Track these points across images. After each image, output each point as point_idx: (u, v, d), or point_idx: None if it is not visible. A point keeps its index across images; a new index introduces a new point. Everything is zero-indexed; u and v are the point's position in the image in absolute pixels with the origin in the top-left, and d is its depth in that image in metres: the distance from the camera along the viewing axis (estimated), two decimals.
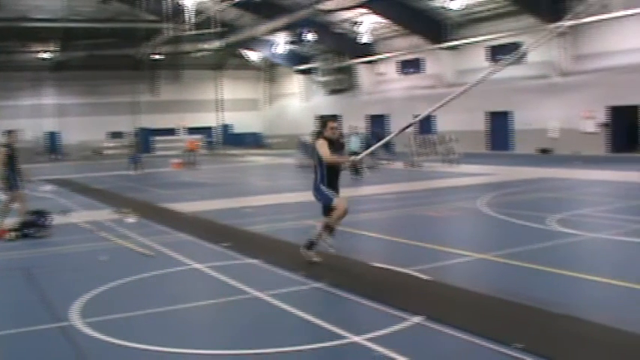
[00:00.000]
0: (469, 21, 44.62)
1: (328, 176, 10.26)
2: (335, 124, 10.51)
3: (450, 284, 8.98)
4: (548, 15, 38.61)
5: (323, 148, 10.14)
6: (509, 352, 6.25)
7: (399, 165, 33.64)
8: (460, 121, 44.42)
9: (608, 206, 16.94)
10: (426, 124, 47.59)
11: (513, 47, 42.41)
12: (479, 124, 45.55)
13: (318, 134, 10.59)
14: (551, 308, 7.55)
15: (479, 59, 45.16)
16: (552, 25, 38.38)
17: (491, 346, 6.46)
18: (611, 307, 7.85)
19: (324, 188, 10.23)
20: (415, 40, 48.24)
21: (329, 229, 10.44)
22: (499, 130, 44.33)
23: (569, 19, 36.79)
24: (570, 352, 6.23)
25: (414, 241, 12.59)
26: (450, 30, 45.95)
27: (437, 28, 46.39)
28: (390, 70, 53.72)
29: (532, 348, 6.28)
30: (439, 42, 46.60)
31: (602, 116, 37.60)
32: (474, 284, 9.03)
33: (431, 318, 7.33)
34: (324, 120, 10.73)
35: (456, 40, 45.78)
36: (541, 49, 40.44)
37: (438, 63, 48.19)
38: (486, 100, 43.69)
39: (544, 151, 39.89)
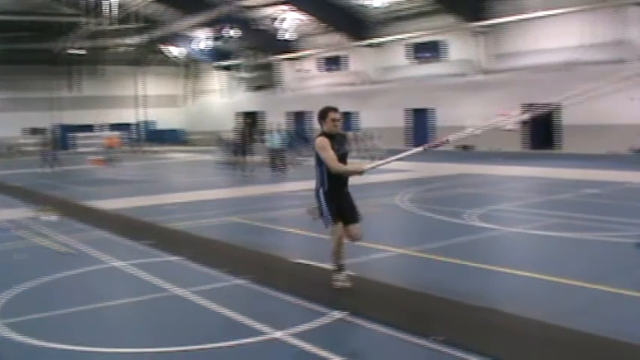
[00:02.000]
0: (391, 19, 45.04)
1: (330, 182, 8.37)
2: (337, 115, 8.44)
3: (372, 279, 9.02)
4: (469, 14, 39.35)
5: (326, 151, 8.15)
6: (430, 345, 6.33)
7: None
8: (383, 117, 44.89)
9: (525, 201, 17.36)
10: (350, 121, 47.97)
11: (433, 45, 43.11)
12: (400, 120, 46.04)
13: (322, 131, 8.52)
14: (471, 301, 7.69)
15: (400, 57, 45.70)
16: (472, 24, 39.16)
17: (413, 339, 6.53)
18: (529, 298, 8.04)
19: (323, 200, 8.42)
20: (338, 37, 48.45)
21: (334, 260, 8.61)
22: (421, 127, 44.87)
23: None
24: (490, 343, 6.34)
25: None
26: (372, 27, 46.32)
27: (359, 26, 46.72)
28: (313, 67, 53.84)
29: (453, 340, 6.36)
30: (361, 39, 46.92)
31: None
32: (395, 279, 9.12)
33: (353, 313, 7.37)
34: (324, 110, 8.50)
35: (378, 37, 46.16)
36: (462, 47, 41.20)
37: (361, 60, 48.52)
38: (408, 97, 44.29)
39: (465, 147, 40.53)
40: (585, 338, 6.44)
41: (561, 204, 16.77)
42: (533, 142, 38.26)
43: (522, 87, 37.75)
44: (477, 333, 6.63)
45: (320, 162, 8.36)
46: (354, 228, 8.59)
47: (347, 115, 49.28)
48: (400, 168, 28.17)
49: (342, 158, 8.38)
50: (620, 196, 17.85)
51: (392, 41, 45.56)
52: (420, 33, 43.13)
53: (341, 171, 8.29)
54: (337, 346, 6.40)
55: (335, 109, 8.51)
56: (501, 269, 9.55)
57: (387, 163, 9.26)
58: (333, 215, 8.37)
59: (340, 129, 8.61)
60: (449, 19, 40.70)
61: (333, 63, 51.99)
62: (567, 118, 36.19)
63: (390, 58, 46.72)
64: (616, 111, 33.04)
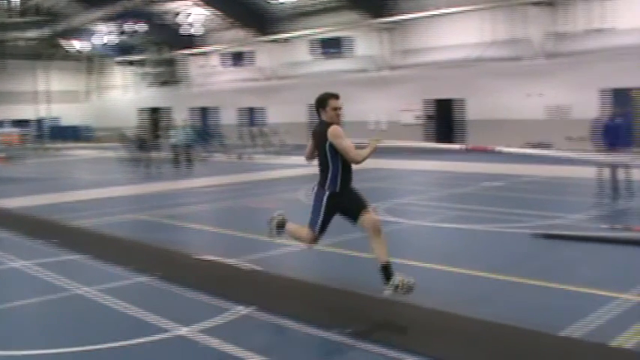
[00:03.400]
0: (297, 14, 45.16)
1: (343, 180, 7.47)
2: (339, 103, 7.43)
3: (278, 274, 9.08)
4: (374, 10, 39.83)
5: (344, 140, 7.21)
6: (338, 338, 6.41)
7: (231, 157, 33.67)
8: (289, 113, 45.00)
9: (430, 194, 17.72)
10: (256, 116, 48.02)
11: (339, 41, 43.45)
12: (306, 116, 46.27)
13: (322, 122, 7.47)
14: (376, 294, 7.82)
15: (306, 53, 45.97)
16: (377, 21, 39.68)
17: (320, 332, 6.60)
18: (432, 290, 8.19)
19: (325, 203, 7.46)
20: (244, 32, 48.29)
21: (280, 224, 8.23)
22: None
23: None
24: (397, 335, 6.46)
25: (240, 232, 12.67)
26: (278, 23, 46.38)
27: (265, 21, 46.70)
28: (219, 62, 53.56)
29: (360, 332, 6.46)
30: (267, 35, 46.91)
31: (427, 109, 39.27)
32: (301, 273, 9.20)
33: (260, 308, 7.39)
34: (323, 97, 7.45)
35: (284, 33, 46.25)
36: (368, 43, 41.66)
37: (267, 56, 48.49)
38: (314, 93, 44.22)
39: None
40: (487, 326, 6.64)
41: (464, 197, 17.20)
42: (437, 136, 39.05)
43: (426, 83, 38.55)
44: (383, 325, 6.74)
45: (332, 156, 7.31)
46: (366, 217, 7.35)
47: (253, 111, 49.35)
48: (306, 163, 28.29)
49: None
50: (518, 189, 18.40)
51: (298, 37, 45.74)
52: (325, 29, 43.40)
53: (365, 157, 7.32)
54: (243, 341, 6.40)
55: (336, 96, 7.47)
56: (406, 262, 9.69)
57: (413, 147, 8.83)
58: (321, 224, 7.54)
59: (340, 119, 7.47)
60: (354, 16, 41.08)
61: (238, 59, 51.83)
62: (470, 113, 37.12)
63: (296, 53, 46.90)
64: (514, 106, 34.06)
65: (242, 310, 7.39)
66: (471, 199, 16.60)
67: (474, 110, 36.89)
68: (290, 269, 9.50)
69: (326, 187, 7.41)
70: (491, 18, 35.97)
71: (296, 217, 15.11)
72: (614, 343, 6.14)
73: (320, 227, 7.52)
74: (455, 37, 37.56)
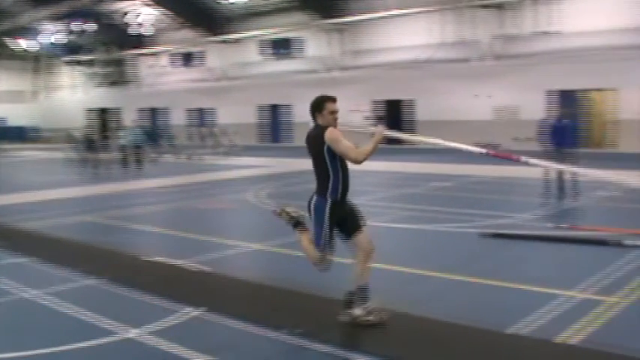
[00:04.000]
0: (247, 15, 45.07)
1: (344, 182, 6.93)
2: (336, 106, 7.00)
3: (229, 275, 9.06)
4: (324, 11, 39.95)
5: (342, 142, 6.70)
6: (287, 338, 6.43)
7: (180, 158, 33.47)
8: (239, 114, 44.98)
9: (379, 195, 17.80)
10: (206, 117, 47.86)
11: (289, 42, 43.49)
12: (259, 116, 46.24)
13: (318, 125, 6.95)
14: (326, 294, 7.85)
15: (256, 53, 45.94)
16: (327, 22, 39.81)
17: (271, 333, 6.61)
18: (384, 290, 8.22)
19: (327, 216, 6.78)
20: (194, 33, 48.03)
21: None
22: (280, 122, 45.21)
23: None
24: (346, 335, 6.51)
25: (191, 233, 12.59)
26: (228, 24, 46.24)
27: (215, 22, 46.51)
28: (169, 62, 53.21)
29: (310, 332, 6.50)
30: (217, 35, 46.73)
31: (377, 110, 39.54)
32: (251, 274, 9.19)
33: (209, 309, 7.37)
34: (319, 100, 6.99)
35: (234, 33, 46.12)
36: (318, 44, 41.76)
37: (217, 56, 48.31)
38: (265, 93, 44.48)
39: None
40: (435, 325, 6.72)
41: (414, 197, 17.34)
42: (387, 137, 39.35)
43: (376, 83, 38.79)
44: (333, 324, 6.76)
45: (332, 161, 6.79)
46: (362, 237, 6.85)
47: (202, 112, 49.14)
48: (259, 164, 28.35)
49: (346, 163, 7.04)
50: (467, 189, 18.60)
51: (248, 37, 45.67)
52: (275, 29, 43.39)
53: (368, 154, 6.75)
54: (193, 343, 6.38)
55: (333, 99, 7.01)
56: (353, 262, 9.76)
57: (424, 141, 8.23)
58: (328, 240, 6.81)
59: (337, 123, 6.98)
60: (304, 16, 41.14)
61: (188, 59, 51.55)
62: (420, 113, 37.44)
63: (246, 54, 46.83)
64: (463, 107, 34.44)
65: (191, 311, 7.36)
66: (421, 200, 16.75)
67: (423, 111, 37.23)
68: (239, 270, 9.49)
69: (327, 196, 6.79)
70: (440, 20, 36.37)
71: (247, 218, 15.13)
72: (559, 339, 6.26)
73: (326, 241, 6.78)
74: (405, 39, 37.89)
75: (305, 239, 7.14)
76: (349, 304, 6.76)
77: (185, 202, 17.48)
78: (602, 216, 14.06)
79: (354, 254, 6.83)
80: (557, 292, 7.79)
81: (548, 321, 6.81)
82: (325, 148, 6.73)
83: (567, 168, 6.09)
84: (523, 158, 6.70)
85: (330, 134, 6.68)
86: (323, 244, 6.79)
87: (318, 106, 6.93)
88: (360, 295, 6.71)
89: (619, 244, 10.34)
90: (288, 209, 7.58)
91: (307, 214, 7.04)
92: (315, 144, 6.82)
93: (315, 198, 6.93)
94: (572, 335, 6.35)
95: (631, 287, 7.98)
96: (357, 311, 6.68)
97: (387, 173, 23.69)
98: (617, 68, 29.85)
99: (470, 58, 35.35)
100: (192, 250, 10.82)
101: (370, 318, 6.66)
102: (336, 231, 6.85)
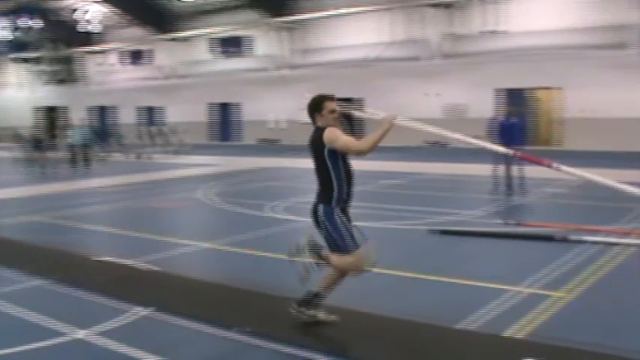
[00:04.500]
0: (197, 13, 44.80)
1: (348, 186, 6.48)
2: (335, 106, 6.59)
3: (178, 274, 9.00)
4: (274, 10, 39.92)
5: (341, 138, 6.29)
6: (238, 336, 6.42)
7: (129, 157, 33.17)
8: (189, 112, 44.75)
9: None
10: (155, 115, 47.51)
11: (239, 40, 43.35)
12: (209, 115, 46.06)
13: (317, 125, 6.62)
14: (275, 292, 7.86)
15: (206, 51, 45.72)
16: (277, 20, 39.79)
17: (220, 331, 6.60)
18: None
19: (337, 219, 6.38)
20: (144, 30, 47.58)
21: (331, 283, 6.59)
22: (229, 121, 45.07)
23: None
24: (296, 332, 6.50)
25: (140, 233, 12.50)
26: (178, 21, 45.92)
27: (164, 19, 46.15)
28: (117, 60, 52.64)
29: (259, 330, 6.49)
30: (167, 33, 46.38)
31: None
32: (201, 273, 9.15)
33: (159, 309, 7.32)
34: (318, 100, 6.60)
35: (184, 31, 45.83)
36: (268, 42, 41.70)
37: (167, 54, 47.92)
38: (215, 92, 44.30)
39: (272, 141, 41.03)
40: (385, 321, 6.77)
41: (363, 195, 17.33)
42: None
43: (325, 82, 38.75)
44: (283, 322, 6.76)
45: (334, 164, 6.40)
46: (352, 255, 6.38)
47: (152, 110, 48.76)
48: (209, 163, 28.24)
49: (350, 166, 6.57)
50: (417, 186, 18.75)
51: (197, 36, 45.41)
52: (225, 28, 43.23)
53: (375, 141, 6.19)
54: (142, 342, 6.34)
55: (332, 97, 6.63)
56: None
57: (436, 133, 7.56)
58: (353, 235, 6.37)
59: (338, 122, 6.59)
60: (254, 15, 41.04)
61: (137, 57, 51.04)
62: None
63: (196, 52, 46.56)
64: (412, 105, 34.65)
65: (141, 311, 7.30)
66: (371, 197, 16.80)
67: (372, 109, 37.31)
68: (190, 269, 9.44)
69: (333, 204, 6.40)
70: (389, 19, 36.57)
71: (197, 217, 15.05)
72: (507, 334, 6.36)
73: (351, 239, 6.33)
74: (354, 37, 38.04)
75: (333, 259, 6.45)
76: (306, 303, 6.56)
77: (135, 201, 17.34)
78: (549, 212, 14.30)
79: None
80: (504, 287, 7.91)
81: (496, 316, 6.92)
82: (326, 151, 6.35)
83: (602, 180, 5.55)
84: (555, 165, 6.32)
85: (328, 134, 6.31)
86: (349, 243, 6.32)
87: (317, 105, 6.55)
88: (312, 298, 6.58)
89: (565, 240, 10.53)
90: (304, 249, 6.85)
91: (316, 226, 6.63)
92: (315, 148, 6.45)
93: (321, 207, 6.48)
94: (520, 329, 6.46)
95: (576, 282, 8.13)
96: (295, 310, 6.58)
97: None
98: (562, 67, 30.40)
99: (419, 57, 35.64)
100: (142, 250, 10.74)
101: (305, 316, 6.56)
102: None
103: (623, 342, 6.17)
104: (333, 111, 6.49)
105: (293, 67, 41.31)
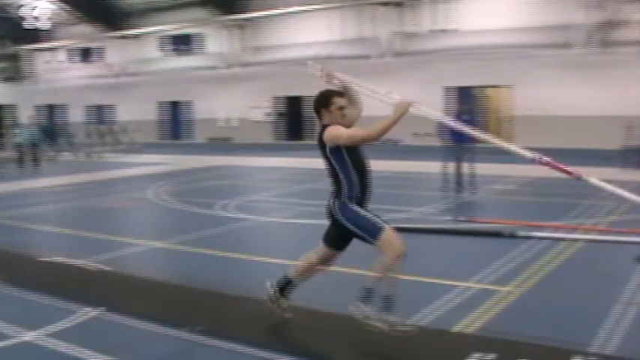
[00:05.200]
0: (148, 10, 44.42)
1: (361, 183, 6.08)
2: (344, 102, 6.25)
3: (129, 274, 8.92)
4: (225, 7, 39.80)
5: (343, 133, 5.93)
6: (189, 336, 6.39)
7: (79, 156, 32.80)
8: (139, 110, 44.41)
9: (279, 191, 17.89)
10: (105, 114, 47.04)
11: (190, 38, 43.12)
12: (159, 113, 45.75)
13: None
14: (227, 290, 7.85)
15: (157, 49, 45.41)
16: (228, 17, 39.66)
17: (172, 331, 6.55)
18: None
19: (354, 207, 6.04)
20: (93, 27, 47.03)
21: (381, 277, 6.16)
22: (180, 119, 44.81)
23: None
24: (246, 329, 6.52)
25: (90, 232, 12.36)
26: (128, 19, 45.49)
27: (114, 17, 45.66)
28: (66, 58, 51.96)
29: (212, 329, 6.46)
30: (116, 30, 45.90)
31: (278, 106, 39.75)
32: (152, 272, 9.09)
33: (109, 309, 7.24)
34: (325, 95, 6.23)
35: (134, 29, 45.41)
36: (219, 40, 41.54)
37: (117, 52, 47.42)
38: (165, 90, 43.99)
39: (224, 140, 40.88)
40: (330, 317, 6.83)
41: (313, 193, 17.41)
42: (288, 133, 39.77)
43: (277, 80, 38.86)
44: (235, 321, 6.77)
45: (341, 164, 6.02)
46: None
47: (102, 109, 48.27)
48: (160, 161, 28.06)
49: (361, 152, 6.22)
50: None
51: (148, 33, 45.03)
52: (176, 25, 42.96)
53: (387, 126, 5.98)
54: (92, 343, 6.27)
55: (340, 93, 6.32)
56: (255, 258, 9.82)
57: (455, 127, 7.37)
58: (375, 219, 6.00)
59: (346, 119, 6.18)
60: (205, 12, 40.86)
61: (87, 54, 50.41)
62: None
63: (146, 50, 46.16)
64: (362, 103, 34.78)
65: (90, 311, 7.22)
66: (321, 195, 16.72)
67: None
68: (140, 268, 9.36)
69: (346, 201, 6.07)
70: (340, 17, 36.68)
71: (147, 216, 14.94)
72: (456, 329, 6.45)
73: (377, 220, 6.00)
74: (306, 35, 38.05)
75: (379, 245, 6.06)
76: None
77: (84, 200, 17.15)
78: (499, 208, 14.49)
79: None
80: (454, 283, 8.00)
81: (446, 311, 7.00)
82: (328, 150, 6.00)
83: (619, 191, 5.30)
84: (584, 177, 5.95)
85: (328, 134, 5.93)
86: (378, 223, 5.95)
87: (325, 101, 6.13)
88: (284, 285, 6.52)
89: (513, 236, 10.68)
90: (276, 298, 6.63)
91: (334, 226, 6.33)
92: (320, 147, 6.09)
93: (336, 205, 6.13)
94: (469, 324, 6.54)
95: (524, 277, 8.27)
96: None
97: (285, 169, 23.83)
98: (511, 66, 30.84)
99: (370, 55, 35.81)
100: (91, 250, 10.62)
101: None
102: (334, 233, 6.41)
103: (570, 335, 6.28)
104: (341, 107, 6.11)
105: (244, 65, 41.21)
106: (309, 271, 6.62)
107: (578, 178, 6.00)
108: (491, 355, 5.60)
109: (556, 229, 11.34)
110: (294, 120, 39.41)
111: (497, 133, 32.22)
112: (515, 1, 31.79)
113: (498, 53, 31.14)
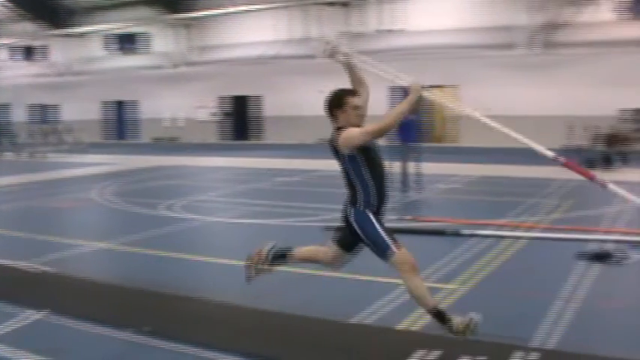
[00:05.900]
0: (92, 8, 43.90)
1: (378, 191, 5.82)
2: (358, 102, 5.87)
3: (73, 275, 8.80)
4: (170, 6, 39.58)
5: (357, 135, 5.55)
6: (137, 337, 6.34)
7: (22, 156, 32.32)
8: (85, 110, 43.92)
9: (226, 191, 17.85)
10: (49, 113, 46.37)
11: (135, 37, 42.72)
12: (104, 113, 45.29)
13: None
14: (173, 291, 7.81)
15: (102, 48, 44.89)
16: (174, 17, 39.43)
17: (116, 332, 6.49)
18: (227, 285, 8.29)
19: (371, 218, 5.82)
20: (36, 25, 46.28)
21: (415, 298, 5.79)
22: (126, 119, 44.42)
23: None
24: (194, 330, 6.48)
25: (32, 233, 12.14)
26: (73, 17, 44.90)
27: (58, 15, 45.00)
28: (8, 56, 50.99)
29: (159, 330, 6.43)
30: (61, 28, 45.25)
31: (224, 106, 39.69)
32: (97, 273, 8.99)
33: (53, 311, 7.13)
34: (339, 95, 5.88)
35: (79, 27, 44.84)
36: (165, 39, 41.27)
37: (61, 50, 46.73)
38: (111, 89, 43.55)
39: (170, 139, 40.62)
40: (278, 317, 6.84)
41: (259, 192, 17.46)
42: (234, 133, 39.76)
43: (223, 79, 38.83)
44: (181, 321, 6.74)
45: (357, 171, 5.73)
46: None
47: (45, 108, 47.58)
48: (105, 161, 27.78)
49: (377, 158, 5.87)
50: (312, 183, 18.94)
51: (93, 32, 44.48)
52: (121, 24, 42.52)
53: (400, 112, 5.59)
54: (36, 346, 6.17)
55: (354, 92, 5.95)
56: (201, 258, 9.79)
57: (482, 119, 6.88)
58: (390, 236, 5.81)
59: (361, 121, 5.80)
60: (151, 11, 40.58)
61: (30, 53, 49.49)
62: (267, 109, 37.78)
63: (91, 49, 45.59)
64: (309, 103, 34.85)
65: (33, 314, 7.12)
66: (267, 195, 16.89)
67: (270, 107, 37.61)
68: (84, 270, 9.25)
69: (362, 208, 5.84)
70: (287, 17, 36.72)
71: (92, 216, 14.77)
72: (400, 327, 6.53)
73: (391, 237, 5.82)
74: (252, 35, 38.04)
75: (392, 262, 5.82)
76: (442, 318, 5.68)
77: (27, 201, 16.88)
78: (444, 207, 14.66)
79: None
80: (398, 281, 8.04)
81: (391, 310, 7.07)
82: (345, 158, 5.71)
83: (630, 196, 5.15)
84: (610, 186, 5.76)
85: (342, 141, 5.60)
86: (388, 240, 5.77)
87: (339, 101, 5.79)
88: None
89: (457, 234, 10.82)
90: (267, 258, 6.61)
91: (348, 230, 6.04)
92: (334, 152, 5.79)
93: (352, 211, 5.90)
94: (414, 322, 6.62)
95: (468, 274, 8.39)
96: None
97: (230, 169, 23.78)
98: (457, 66, 31.22)
99: (315, 55, 35.85)
100: (34, 251, 10.45)
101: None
102: (349, 238, 6.11)
103: (514, 331, 6.39)
104: (356, 107, 5.76)
105: (190, 64, 41.02)
106: (308, 261, 6.49)
107: (602, 185, 5.83)
108: (436, 352, 5.68)
109: (499, 227, 11.51)
110: (240, 120, 39.46)
111: (443, 133, 32.67)
112: (461, 1, 32.20)
113: (444, 53, 31.51)
